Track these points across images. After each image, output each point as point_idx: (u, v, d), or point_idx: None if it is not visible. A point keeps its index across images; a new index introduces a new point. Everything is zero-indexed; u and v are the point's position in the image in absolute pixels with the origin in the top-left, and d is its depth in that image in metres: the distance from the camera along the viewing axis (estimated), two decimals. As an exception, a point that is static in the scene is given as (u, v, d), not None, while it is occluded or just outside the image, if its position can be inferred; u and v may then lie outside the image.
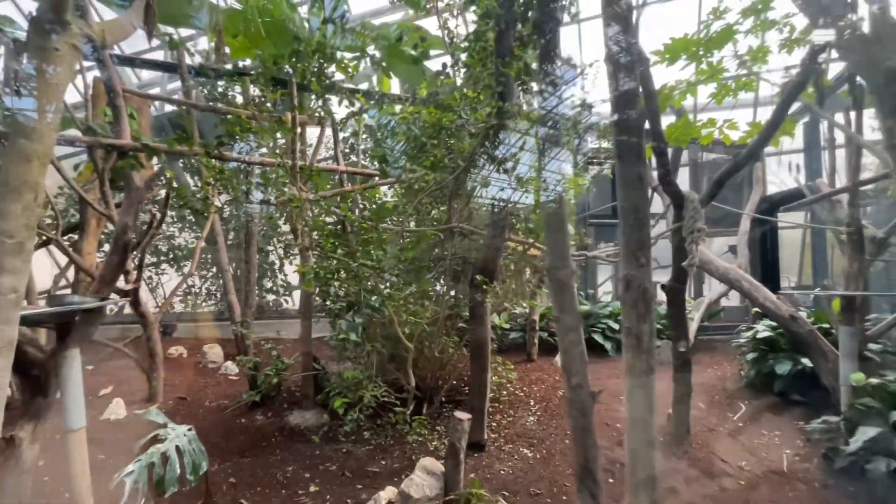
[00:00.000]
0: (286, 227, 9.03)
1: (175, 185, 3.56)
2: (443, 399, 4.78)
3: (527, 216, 4.56)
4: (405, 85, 6.60)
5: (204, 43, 6.75)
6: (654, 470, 2.02)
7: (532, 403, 5.12)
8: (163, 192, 4.62)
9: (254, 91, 5.01)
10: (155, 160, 3.97)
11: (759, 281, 5.03)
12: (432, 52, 5.74)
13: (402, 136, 3.26)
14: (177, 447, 2.00)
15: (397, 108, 4.71)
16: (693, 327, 5.47)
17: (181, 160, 6.10)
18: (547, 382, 5.70)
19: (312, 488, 3.29)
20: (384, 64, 6.01)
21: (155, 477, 1.91)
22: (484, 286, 3.43)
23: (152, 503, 2.05)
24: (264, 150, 4.58)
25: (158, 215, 3.87)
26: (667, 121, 4.34)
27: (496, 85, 3.08)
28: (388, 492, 2.93)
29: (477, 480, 2.89)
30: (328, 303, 4.30)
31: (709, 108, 4.86)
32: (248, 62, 5.15)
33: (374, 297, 3.37)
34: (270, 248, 9.26)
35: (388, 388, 4.06)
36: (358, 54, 3.99)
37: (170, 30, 5.37)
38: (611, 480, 3.34)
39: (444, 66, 3.10)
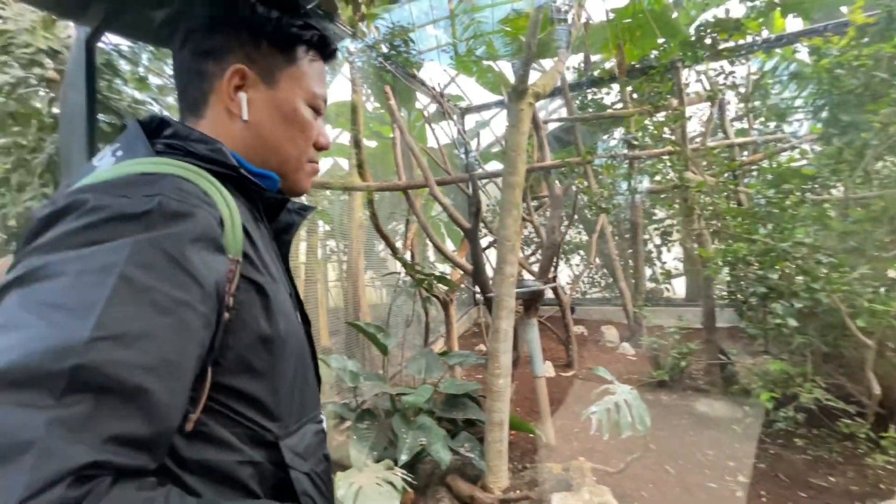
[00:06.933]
0: (661, 215, 8.93)
1: (582, 190, 4.28)
2: (926, 423, 3.46)
3: None
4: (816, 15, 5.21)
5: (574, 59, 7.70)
6: None
7: None
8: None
9: (628, 89, 5.32)
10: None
11: None
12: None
13: (835, 82, 2.62)
14: (625, 400, 2.47)
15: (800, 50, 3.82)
16: None
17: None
18: None
19: (740, 478, 3.18)
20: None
21: (611, 420, 2.44)
22: None
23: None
24: (637, 141, 4.78)
25: (566, 218, 4.78)
26: None
27: None
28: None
29: None
30: (733, 289, 4.00)
31: None
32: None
33: (810, 280, 2.85)
34: (646, 236, 9.35)
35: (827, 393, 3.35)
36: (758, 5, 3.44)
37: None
38: None
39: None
